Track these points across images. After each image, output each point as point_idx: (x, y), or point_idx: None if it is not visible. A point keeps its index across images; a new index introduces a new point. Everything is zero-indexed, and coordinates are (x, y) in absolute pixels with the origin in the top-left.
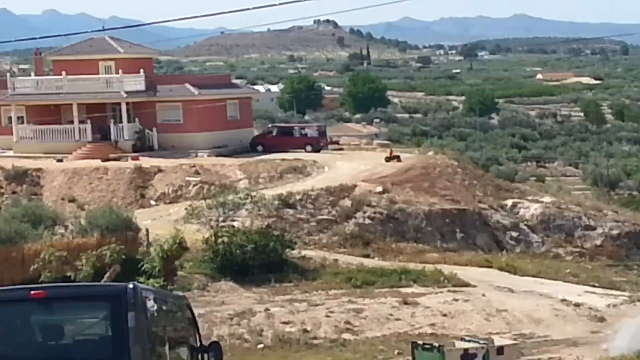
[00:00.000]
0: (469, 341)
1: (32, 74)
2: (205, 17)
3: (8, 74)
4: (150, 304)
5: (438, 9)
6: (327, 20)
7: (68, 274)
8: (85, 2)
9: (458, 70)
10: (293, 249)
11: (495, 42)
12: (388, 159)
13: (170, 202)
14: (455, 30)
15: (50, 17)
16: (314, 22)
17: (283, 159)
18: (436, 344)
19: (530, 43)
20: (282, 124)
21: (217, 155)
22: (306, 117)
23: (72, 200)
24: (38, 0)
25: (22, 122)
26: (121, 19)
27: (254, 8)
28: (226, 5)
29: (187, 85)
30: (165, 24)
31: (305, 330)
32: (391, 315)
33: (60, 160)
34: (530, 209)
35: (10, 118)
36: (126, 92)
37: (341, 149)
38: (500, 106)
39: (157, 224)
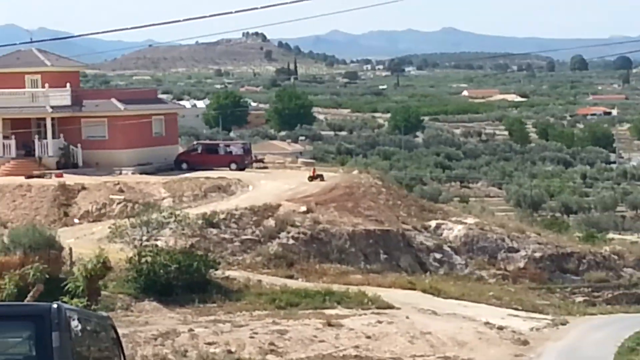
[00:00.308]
0: None
1: None
2: (133, 29)
3: None
4: (75, 323)
5: (367, 22)
6: (256, 34)
7: None
8: (13, 12)
9: (384, 86)
10: (217, 269)
11: (422, 57)
12: (311, 178)
13: (94, 221)
14: (384, 44)
15: None
16: (243, 34)
17: (207, 177)
18: None
19: (458, 58)
20: (207, 141)
21: (141, 173)
22: (231, 134)
23: None
24: None
25: None
26: (50, 30)
27: (183, 20)
28: (155, 17)
29: (113, 100)
30: (94, 37)
31: (230, 351)
32: (315, 336)
33: None
34: (454, 230)
35: None
36: (51, 107)
37: (266, 167)
38: (425, 124)
39: (80, 242)
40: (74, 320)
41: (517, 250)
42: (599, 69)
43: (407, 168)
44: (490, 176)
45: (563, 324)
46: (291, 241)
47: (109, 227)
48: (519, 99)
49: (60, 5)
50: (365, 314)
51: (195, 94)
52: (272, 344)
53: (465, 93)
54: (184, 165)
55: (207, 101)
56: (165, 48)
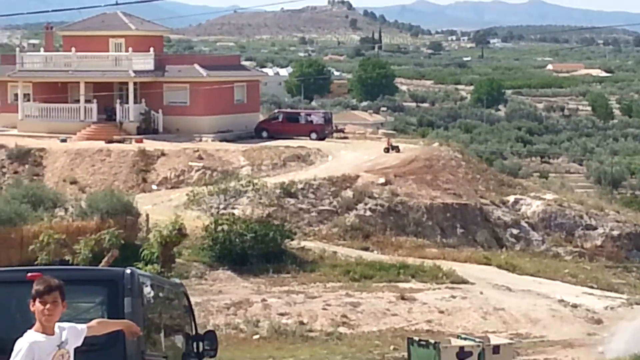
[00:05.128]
0: (465, 339)
1: (42, 49)
2: None
3: (17, 49)
4: (147, 290)
5: None
6: (342, 2)
7: (66, 257)
8: None
9: (469, 58)
10: (292, 240)
11: (508, 29)
12: (387, 150)
13: (172, 187)
14: (470, 15)
15: None
16: (328, 2)
17: (287, 146)
18: (432, 341)
19: (544, 31)
20: (288, 110)
21: (221, 140)
22: (313, 103)
23: (74, 182)
24: None
25: (28, 100)
26: None
27: None
28: None
29: (196, 66)
30: (179, 0)
31: (302, 323)
32: (388, 310)
33: (64, 141)
34: (532, 206)
35: (16, 95)
36: (134, 72)
37: (346, 138)
38: (508, 97)
39: (157, 209)
40: (146, 286)
41: (595, 228)
42: None
43: (488, 142)
44: (571, 152)
45: (638, 304)
46: (368, 213)
47: (187, 194)
48: (604, 74)
49: None
50: (439, 289)
51: (279, 62)
52: (344, 316)
53: (549, 67)
54: (264, 134)
55: (290, 69)
56: (250, 14)
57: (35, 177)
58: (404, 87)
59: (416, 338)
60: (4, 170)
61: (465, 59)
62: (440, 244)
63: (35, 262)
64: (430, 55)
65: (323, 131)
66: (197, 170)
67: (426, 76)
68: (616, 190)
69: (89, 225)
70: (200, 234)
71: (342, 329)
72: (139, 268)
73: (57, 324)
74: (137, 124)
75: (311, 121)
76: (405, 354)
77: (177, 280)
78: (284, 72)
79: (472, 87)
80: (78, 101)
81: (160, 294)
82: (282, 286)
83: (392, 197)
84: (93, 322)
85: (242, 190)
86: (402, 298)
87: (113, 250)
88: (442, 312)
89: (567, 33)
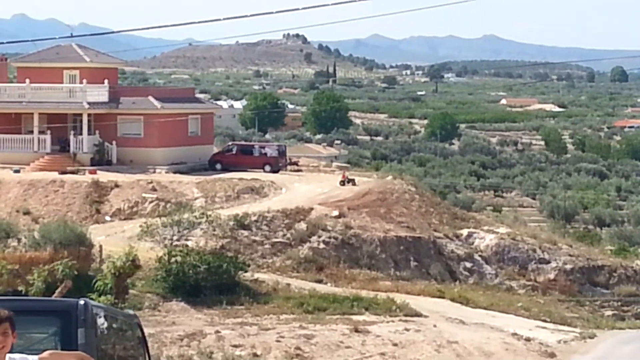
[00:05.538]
0: None
1: None
2: (173, 26)
3: None
4: (101, 321)
5: (408, 28)
6: (297, 35)
7: (19, 288)
8: (55, 8)
9: (423, 92)
10: (246, 272)
11: (462, 64)
12: (342, 183)
13: (125, 219)
14: (424, 49)
15: (19, 21)
16: (283, 36)
17: (241, 179)
18: None
19: (498, 66)
20: (242, 142)
21: (175, 172)
22: (267, 136)
23: (27, 212)
24: (7, 5)
25: None
26: (91, 26)
27: (224, 19)
28: (196, 16)
29: (150, 98)
30: (134, 33)
31: (255, 355)
32: (342, 342)
33: (17, 171)
34: (486, 240)
35: None
36: (88, 103)
37: (300, 170)
38: (462, 131)
39: (111, 240)
40: (100, 317)
41: (548, 262)
42: None
43: (442, 175)
44: (525, 186)
45: (591, 338)
46: (322, 245)
47: (140, 226)
48: (557, 109)
49: (102, 1)
50: (392, 321)
51: (233, 95)
52: (298, 348)
53: (503, 101)
54: (218, 166)
55: (244, 102)
56: (205, 47)
57: None
58: (358, 121)
59: None
60: None
61: (419, 93)
62: (394, 277)
63: None
64: (384, 89)
65: (277, 164)
66: (150, 202)
67: (380, 110)
68: (569, 225)
69: (42, 256)
70: (153, 265)
71: None
72: (92, 299)
73: (8, 355)
74: (91, 155)
75: (265, 154)
76: None
77: (131, 312)
78: (238, 104)
79: (426, 121)
80: (32, 132)
81: (114, 325)
82: (235, 318)
83: (346, 229)
84: (45, 354)
85: (196, 222)
86: (356, 330)
87: (66, 281)
88: (395, 344)
89: (521, 68)
